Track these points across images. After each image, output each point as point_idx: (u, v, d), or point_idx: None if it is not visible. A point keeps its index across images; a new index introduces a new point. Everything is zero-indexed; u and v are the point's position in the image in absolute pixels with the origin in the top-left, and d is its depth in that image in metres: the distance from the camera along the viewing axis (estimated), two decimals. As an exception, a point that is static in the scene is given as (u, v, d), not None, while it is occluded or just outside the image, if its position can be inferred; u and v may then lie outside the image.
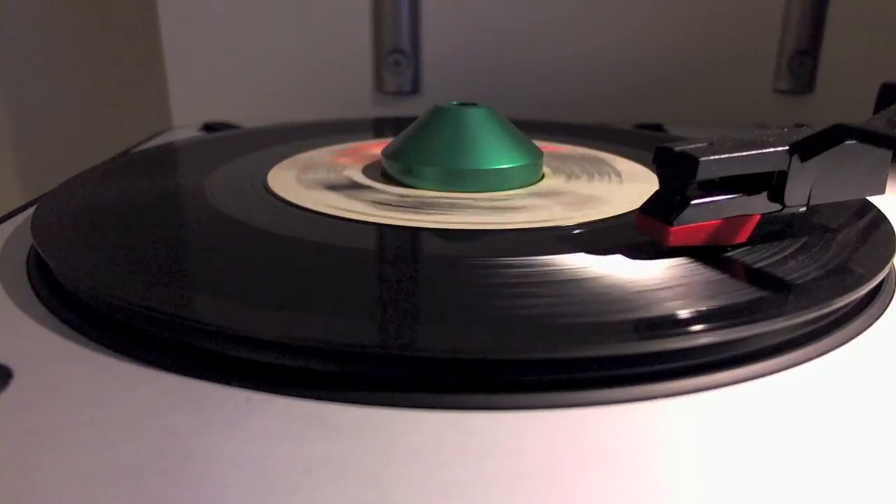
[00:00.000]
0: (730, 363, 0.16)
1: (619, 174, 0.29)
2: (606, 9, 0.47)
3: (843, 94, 0.48)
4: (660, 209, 0.19)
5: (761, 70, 0.49)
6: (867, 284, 0.18)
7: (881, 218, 0.24)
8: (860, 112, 0.26)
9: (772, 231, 0.21)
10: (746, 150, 0.19)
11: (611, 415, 0.14)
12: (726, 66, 0.49)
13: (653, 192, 0.20)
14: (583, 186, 0.27)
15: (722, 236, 0.20)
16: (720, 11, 0.48)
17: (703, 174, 0.18)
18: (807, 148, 0.19)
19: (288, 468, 0.13)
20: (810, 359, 0.17)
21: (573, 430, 0.14)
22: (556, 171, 0.29)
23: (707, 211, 0.19)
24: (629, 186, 0.27)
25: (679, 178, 0.19)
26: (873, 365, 0.17)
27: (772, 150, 0.19)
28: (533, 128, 0.34)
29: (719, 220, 0.19)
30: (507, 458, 0.13)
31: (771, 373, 0.16)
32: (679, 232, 0.19)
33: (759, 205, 0.20)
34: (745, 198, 0.20)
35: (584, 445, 0.13)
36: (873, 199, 0.25)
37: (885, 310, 0.19)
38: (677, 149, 0.19)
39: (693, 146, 0.19)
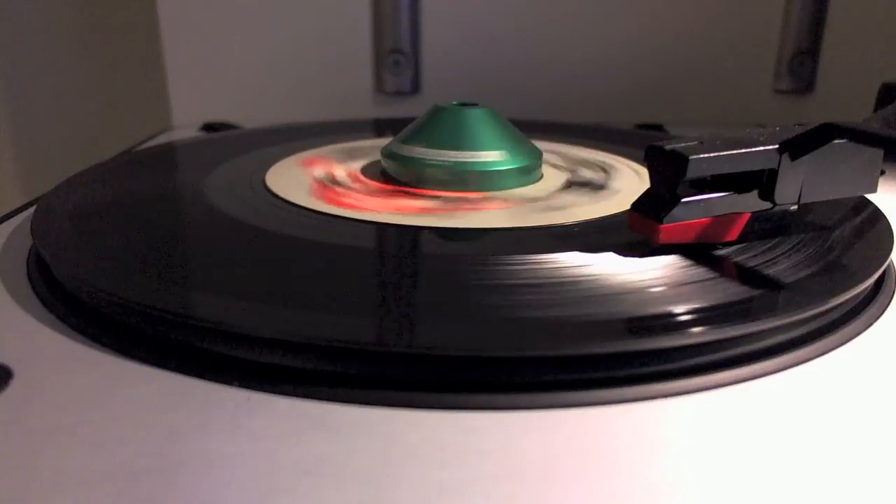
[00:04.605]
0: (730, 363, 0.16)
1: (617, 174, 0.29)
2: (606, 9, 0.47)
3: (843, 94, 0.48)
4: (650, 207, 0.19)
5: (761, 70, 0.49)
6: (863, 282, 0.18)
7: (878, 215, 0.24)
8: (860, 112, 0.26)
9: (767, 229, 0.21)
10: (736, 149, 0.19)
11: (611, 415, 0.14)
12: (726, 66, 0.49)
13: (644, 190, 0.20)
14: (581, 186, 0.27)
15: (712, 234, 0.20)
16: (720, 11, 0.48)
17: (692, 172, 0.19)
18: (796, 146, 0.19)
19: (288, 468, 0.13)
20: (810, 359, 0.17)
21: (573, 430, 0.14)
22: (555, 171, 0.29)
23: (697, 209, 0.19)
24: (627, 186, 0.27)
25: (669, 176, 0.19)
26: (873, 365, 0.17)
27: (761, 148, 0.19)
28: (533, 128, 0.34)
29: (709, 218, 0.19)
30: (507, 458, 0.13)
31: (771, 373, 0.16)
32: (669, 229, 0.19)
33: (750, 203, 0.20)
34: (736, 196, 0.20)
35: (584, 445, 0.13)
36: (870, 197, 0.25)
37: (885, 310, 0.19)
38: (668, 147, 0.19)
39: (683, 145, 0.19)
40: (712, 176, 0.19)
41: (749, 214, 0.20)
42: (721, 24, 0.48)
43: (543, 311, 0.16)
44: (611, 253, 0.20)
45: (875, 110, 0.33)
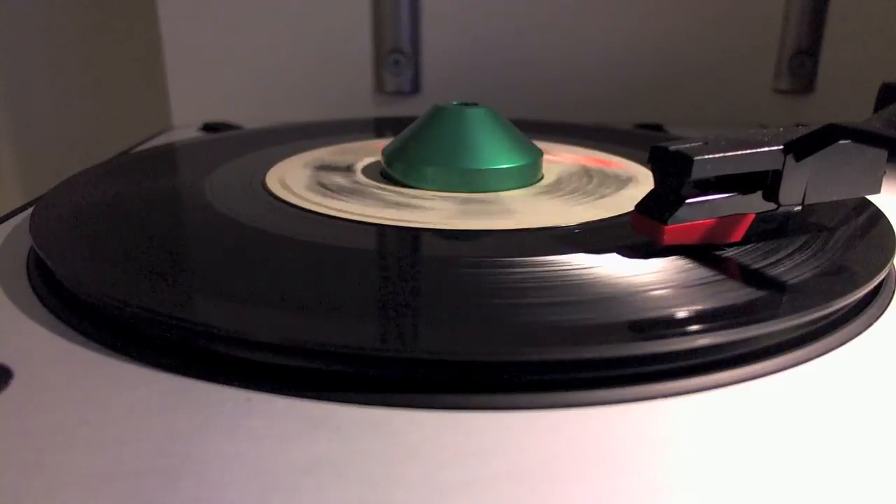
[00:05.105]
0: (730, 363, 0.16)
1: (618, 174, 0.29)
2: (606, 9, 0.47)
3: (843, 94, 0.48)
4: (655, 208, 0.19)
5: (761, 70, 0.49)
6: (867, 284, 0.18)
7: (880, 216, 0.24)
8: (860, 112, 0.26)
9: (769, 230, 0.21)
10: (741, 150, 0.19)
11: (611, 415, 0.14)
12: (726, 66, 0.49)
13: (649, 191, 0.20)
14: (582, 186, 0.27)
15: (717, 235, 0.20)
16: (720, 11, 0.48)
17: (697, 173, 0.18)
18: (801, 147, 0.19)
19: (288, 468, 0.13)
20: (810, 359, 0.17)
21: (573, 430, 0.14)
22: (555, 170, 0.29)
23: (702, 210, 0.19)
24: (628, 187, 0.27)
25: (674, 176, 0.19)
26: (873, 365, 0.17)
27: (766, 149, 0.19)
28: (533, 128, 0.34)
29: (714, 219, 0.19)
30: (507, 458, 0.13)
31: (771, 373, 0.16)
32: (674, 231, 0.19)
33: (754, 204, 0.20)
34: (740, 197, 0.20)
35: (584, 445, 0.13)
36: (872, 198, 0.25)
37: (885, 310, 0.19)
38: (672, 148, 0.19)
39: (688, 145, 0.19)
40: (716, 177, 0.19)
41: (753, 215, 0.20)
42: (721, 24, 0.48)
43: (546, 313, 0.16)
44: (614, 254, 0.20)
45: (875, 110, 0.33)
